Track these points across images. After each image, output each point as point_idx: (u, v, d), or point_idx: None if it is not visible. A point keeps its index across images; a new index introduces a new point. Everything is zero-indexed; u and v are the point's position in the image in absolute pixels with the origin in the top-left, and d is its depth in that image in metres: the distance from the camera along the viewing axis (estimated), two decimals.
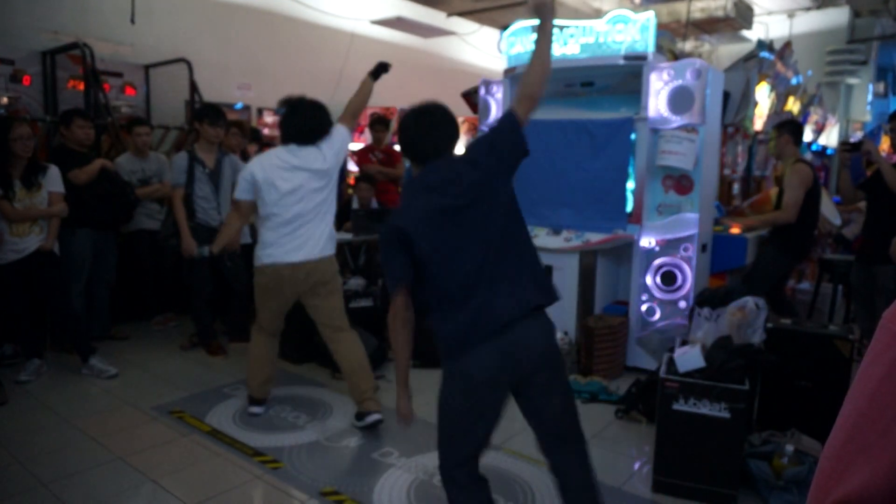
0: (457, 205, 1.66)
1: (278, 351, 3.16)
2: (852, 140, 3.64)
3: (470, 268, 1.64)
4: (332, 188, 2.88)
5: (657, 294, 3.65)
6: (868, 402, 0.52)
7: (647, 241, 3.65)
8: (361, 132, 6.51)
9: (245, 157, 4.28)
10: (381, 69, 3.10)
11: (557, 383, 1.77)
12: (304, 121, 2.81)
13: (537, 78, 1.83)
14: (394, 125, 6.69)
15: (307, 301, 2.90)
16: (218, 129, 3.74)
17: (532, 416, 1.79)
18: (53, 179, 3.42)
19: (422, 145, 1.75)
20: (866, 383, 0.53)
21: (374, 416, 2.84)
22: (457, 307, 1.65)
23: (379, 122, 5.39)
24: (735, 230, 4.01)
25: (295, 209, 2.76)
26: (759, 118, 5.15)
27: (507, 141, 1.76)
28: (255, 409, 3.06)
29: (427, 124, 1.77)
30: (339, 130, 2.92)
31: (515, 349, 1.64)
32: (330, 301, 2.91)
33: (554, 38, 1.88)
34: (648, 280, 3.66)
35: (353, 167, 5.96)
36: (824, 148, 7.51)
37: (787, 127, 3.84)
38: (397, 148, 6.29)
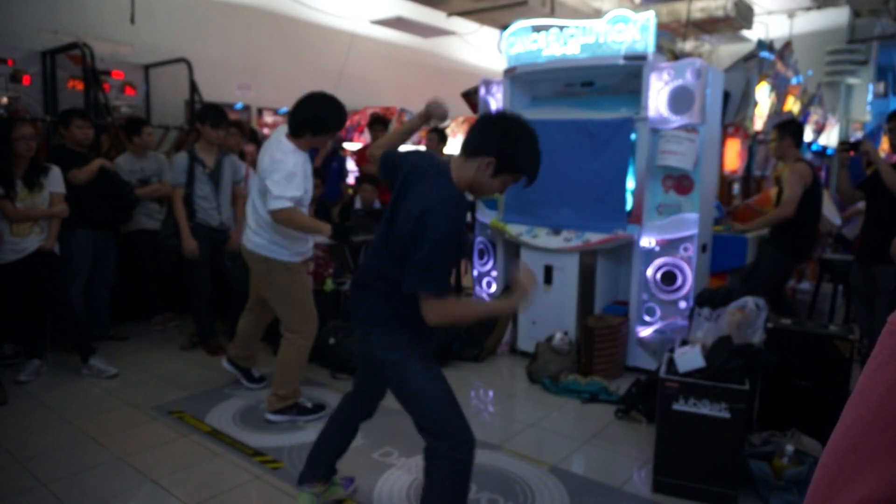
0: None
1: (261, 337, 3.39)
2: (852, 140, 3.64)
3: None
4: (263, 185, 2.77)
5: (657, 294, 3.65)
6: (874, 411, 0.51)
7: (647, 241, 3.64)
8: (361, 132, 6.51)
9: (243, 157, 4.28)
10: (435, 117, 2.51)
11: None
12: (293, 111, 2.80)
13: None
14: (394, 125, 6.69)
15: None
16: (220, 131, 3.74)
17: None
18: (55, 180, 3.42)
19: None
20: (871, 390, 0.52)
21: (271, 417, 2.98)
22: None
23: (378, 122, 5.40)
24: (738, 229, 4.03)
25: (253, 195, 2.90)
26: (759, 118, 5.16)
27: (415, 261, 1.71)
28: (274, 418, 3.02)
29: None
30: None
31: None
32: (266, 295, 2.97)
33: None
34: (648, 280, 3.66)
35: (352, 167, 5.96)
36: (824, 148, 7.51)
37: (788, 128, 3.84)
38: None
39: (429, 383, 1.81)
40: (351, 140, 6.60)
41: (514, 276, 1.80)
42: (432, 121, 2.35)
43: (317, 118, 2.75)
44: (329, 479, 2.21)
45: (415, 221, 1.68)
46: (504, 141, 1.74)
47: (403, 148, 2.19)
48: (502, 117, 1.77)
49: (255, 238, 2.86)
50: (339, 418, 2.19)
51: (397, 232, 1.76)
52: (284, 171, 2.67)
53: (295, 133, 2.78)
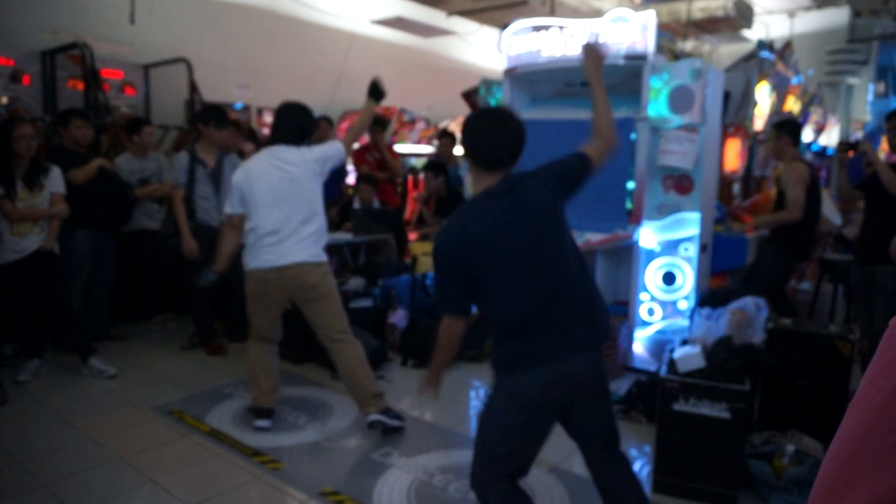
0: (530, 223, 1.68)
1: (278, 354, 3.07)
2: (851, 140, 3.64)
3: (543, 290, 1.66)
4: (313, 192, 2.79)
5: (657, 294, 3.64)
6: (876, 417, 0.50)
7: (647, 241, 3.64)
8: None
9: (242, 156, 4.27)
10: (375, 89, 2.99)
11: (602, 403, 1.80)
12: (283, 119, 2.83)
13: (612, 136, 1.99)
14: (394, 125, 6.69)
15: (301, 307, 2.85)
16: (223, 132, 3.75)
17: (576, 433, 1.81)
18: (55, 180, 3.42)
19: (495, 150, 1.73)
20: (873, 396, 0.51)
21: (373, 416, 2.78)
22: (524, 327, 1.67)
23: (376, 123, 5.40)
24: (741, 226, 4.02)
25: (275, 212, 2.72)
26: (760, 118, 5.15)
27: (574, 177, 1.85)
28: (262, 423, 2.88)
29: (500, 128, 1.76)
30: (333, 144, 2.94)
31: (572, 375, 1.67)
32: (321, 306, 2.81)
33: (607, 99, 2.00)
34: (648, 280, 3.66)
35: (350, 167, 5.96)
36: (824, 148, 7.51)
37: (786, 127, 3.84)
38: (396, 148, 6.32)
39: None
40: (344, 156, 6.60)
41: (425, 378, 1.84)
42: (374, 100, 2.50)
43: (303, 126, 2.86)
44: None
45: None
46: (463, 141, 1.79)
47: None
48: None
49: (315, 247, 2.78)
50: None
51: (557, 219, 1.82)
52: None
53: (298, 142, 2.84)
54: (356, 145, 6.07)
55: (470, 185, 4.14)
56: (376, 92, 3.00)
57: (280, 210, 2.72)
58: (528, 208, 1.69)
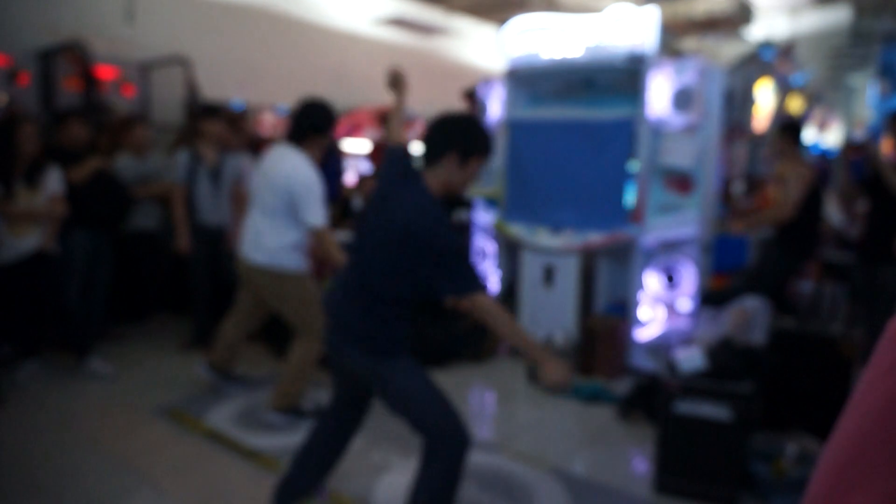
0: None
1: (245, 338, 3.26)
2: (855, 140, 3.63)
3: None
4: (288, 201, 2.76)
5: (658, 294, 3.63)
6: (873, 423, 0.50)
7: (647, 241, 3.63)
8: (360, 131, 6.49)
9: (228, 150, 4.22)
10: (394, 82, 2.73)
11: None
12: (293, 120, 2.85)
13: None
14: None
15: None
16: (216, 125, 3.77)
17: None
18: (55, 179, 3.42)
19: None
20: (870, 401, 0.51)
21: (271, 417, 2.91)
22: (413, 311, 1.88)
23: (386, 121, 5.40)
24: (737, 226, 4.01)
25: (258, 206, 2.87)
26: (761, 118, 5.13)
27: (441, 273, 1.79)
28: (201, 369, 3.22)
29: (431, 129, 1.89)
30: (308, 188, 2.79)
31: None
32: (274, 305, 2.96)
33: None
34: (649, 280, 3.64)
35: (359, 166, 5.96)
36: (827, 148, 7.48)
37: (788, 129, 3.83)
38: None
39: (426, 386, 1.84)
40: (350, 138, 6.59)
41: (549, 365, 1.81)
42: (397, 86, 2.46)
43: (315, 123, 2.85)
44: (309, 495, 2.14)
45: (401, 232, 1.77)
46: (456, 132, 1.85)
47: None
48: (441, 119, 1.88)
49: (279, 252, 2.81)
50: (323, 435, 2.09)
51: (383, 243, 1.82)
52: (317, 190, 2.78)
53: (300, 140, 2.82)
54: (362, 142, 6.08)
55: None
56: (395, 83, 2.75)
57: (262, 207, 2.85)
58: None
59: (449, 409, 1.83)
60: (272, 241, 2.82)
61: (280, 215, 2.80)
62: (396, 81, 2.38)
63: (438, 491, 1.80)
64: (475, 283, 1.75)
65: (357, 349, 1.85)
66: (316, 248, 2.96)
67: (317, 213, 2.75)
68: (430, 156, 1.86)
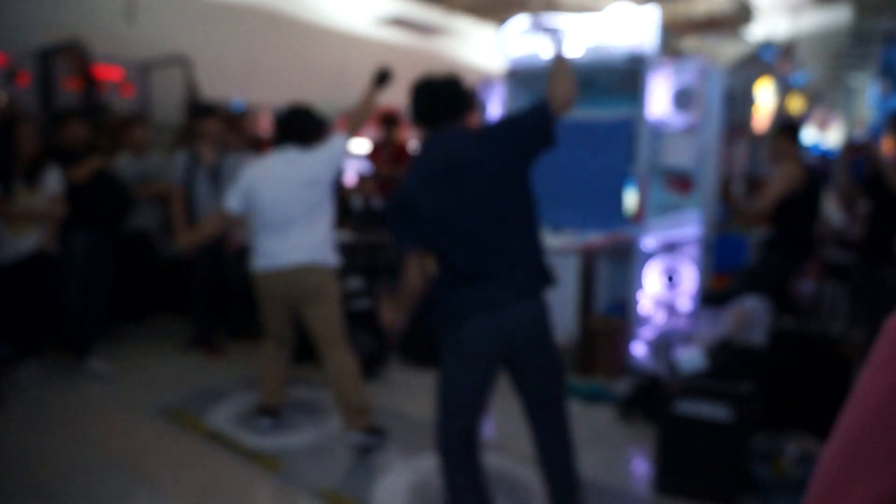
0: (463, 176, 1.72)
1: (289, 359, 2.95)
2: (855, 140, 3.63)
3: (472, 241, 1.72)
4: (323, 194, 2.75)
5: (658, 294, 3.63)
6: (871, 418, 0.50)
7: (648, 241, 3.63)
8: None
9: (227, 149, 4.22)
10: (383, 77, 2.82)
11: (544, 359, 1.84)
12: (291, 122, 2.78)
13: (564, 88, 1.90)
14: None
15: (300, 310, 2.76)
16: (213, 124, 3.76)
17: (520, 389, 1.89)
18: (54, 179, 3.42)
19: (424, 108, 1.88)
20: (869, 397, 0.51)
21: (355, 439, 2.64)
22: (459, 278, 1.74)
23: (389, 121, 5.39)
24: (738, 223, 4.01)
25: (282, 214, 2.67)
26: (762, 118, 5.14)
27: (530, 123, 1.81)
28: (264, 422, 2.85)
29: (429, 90, 1.89)
30: (337, 137, 2.82)
31: (508, 325, 1.72)
32: (320, 311, 2.72)
33: (563, 53, 1.94)
34: (649, 280, 3.64)
35: (356, 167, 5.95)
36: (827, 148, 7.49)
37: (786, 130, 3.82)
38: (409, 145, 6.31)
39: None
40: (348, 148, 6.60)
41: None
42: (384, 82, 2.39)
43: (309, 131, 2.80)
44: None
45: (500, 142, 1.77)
46: (464, 93, 1.91)
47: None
48: (443, 82, 1.89)
49: (318, 251, 2.70)
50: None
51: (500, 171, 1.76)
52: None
53: (308, 142, 2.78)
54: (362, 142, 6.06)
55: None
56: (384, 78, 2.81)
57: (284, 211, 2.67)
58: (451, 161, 1.75)
59: (450, 404, 1.81)
60: (320, 240, 2.72)
61: (317, 213, 2.72)
62: (384, 78, 2.34)
63: (445, 485, 1.86)
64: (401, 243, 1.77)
65: (534, 299, 1.76)
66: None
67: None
68: (454, 114, 1.85)
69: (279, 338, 2.86)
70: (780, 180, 3.58)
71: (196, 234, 2.94)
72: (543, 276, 1.79)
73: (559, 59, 1.88)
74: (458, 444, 1.81)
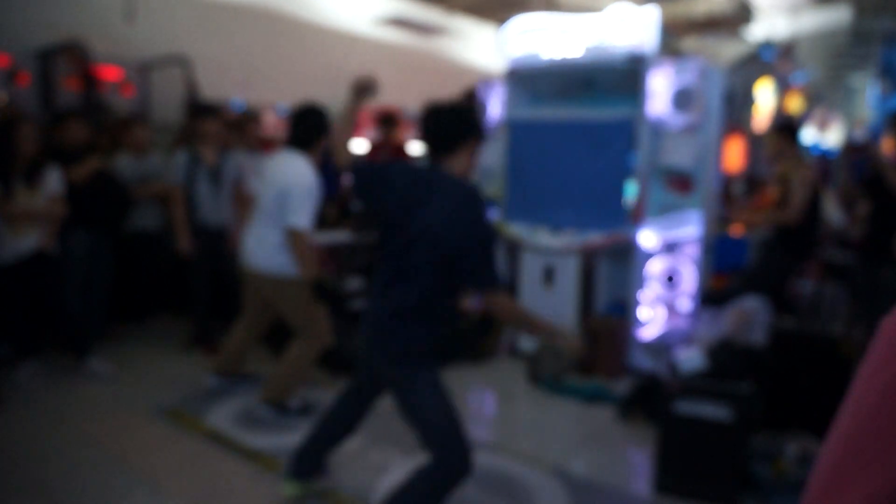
0: (410, 212, 1.84)
1: (255, 339, 3.30)
2: (856, 141, 3.63)
3: (388, 259, 1.91)
4: (288, 203, 2.77)
5: (658, 294, 3.63)
6: (867, 418, 0.51)
7: (647, 241, 3.63)
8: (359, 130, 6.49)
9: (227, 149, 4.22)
10: (362, 89, 2.39)
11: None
12: (294, 125, 2.88)
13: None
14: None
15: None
16: (213, 125, 3.77)
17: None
18: (54, 179, 3.42)
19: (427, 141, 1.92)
20: (865, 397, 0.52)
21: (262, 411, 2.99)
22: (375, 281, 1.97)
23: (387, 122, 5.39)
24: (738, 226, 4.01)
25: (261, 213, 2.89)
26: (761, 118, 5.14)
27: (471, 268, 1.82)
28: (213, 381, 3.28)
29: (433, 122, 1.90)
30: (302, 183, 2.79)
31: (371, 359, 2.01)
32: (278, 308, 2.99)
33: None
34: (649, 280, 3.64)
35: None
36: (827, 148, 7.49)
37: (785, 129, 3.83)
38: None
39: (443, 404, 1.86)
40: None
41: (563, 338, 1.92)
42: (364, 94, 2.37)
43: (319, 128, 2.88)
44: (317, 474, 2.30)
45: (460, 231, 1.77)
46: (469, 120, 1.89)
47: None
48: (447, 109, 1.90)
49: (277, 257, 2.83)
50: (336, 416, 2.23)
51: (436, 249, 1.80)
52: (312, 196, 2.82)
53: (306, 145, 2.85)
54: (361, 141, 6.05)
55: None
56: (365, 91, 2.84)
57: (264, 214, 2.88)
58: (409, 194, 1.87)
59: (460, 428, 1.85)
60: (271, 246, 2.85)
61: (276, 217, 2.82)
62: (366, 88, 2.26)
63: (428, 497, 1.84)
64: (497, 279, 1.80)
65: (386, 354, 1.87)
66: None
67: (302, 216, 2.76)
68: (447, 147, 1.86)
69: (252, 321, 3.17)
70: (800, 186, 3.59)
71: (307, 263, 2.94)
72: (404, 347, 1.86)
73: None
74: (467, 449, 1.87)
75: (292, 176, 2.78)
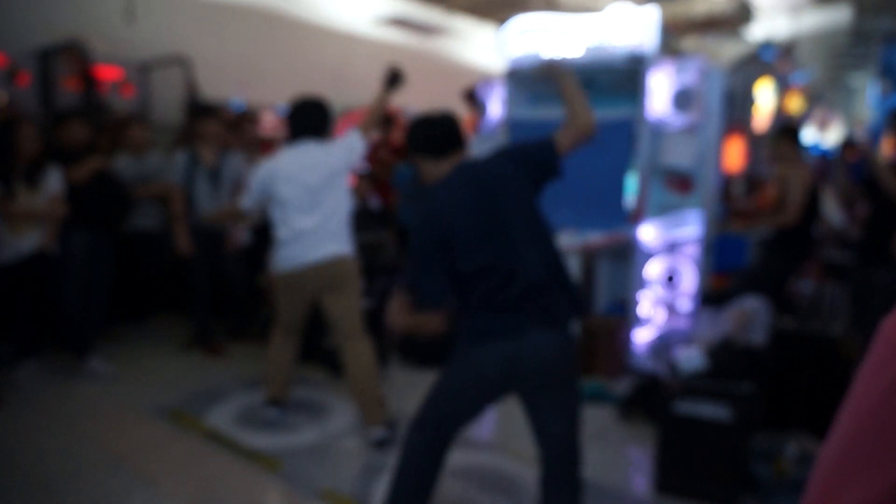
0: (484, 203, 1.72)
1: (297, 350, 2.99)
2: (854, 141, 3.63)
3: (499, 266, 1.67)
4: (342, 187, 2.79)
5: (658, 294, 3.63)
6: (868, 418, 0.51)
7: (647, 241, 3.63)
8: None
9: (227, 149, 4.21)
10: (394, 78, 2.84)
11: (564, 400, 1.76)
12: (304, 116, 2.79)
13: (581, 125, 1.88)
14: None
15: (322, 300, 2.79)
16: (213, 125, 3.76)
17: (540, 431, 1.80)
18: (55, 179, 3.42)
19: (437, 138, 1.87)
20: (865, 397, 0.52)
21: (378, 434, 2.70)
22: (483, 302, 1.68)
23: (386, 121, 5.40)
24: (738, 226, 4.01)
25: (307, 207, 2.69)
26: (762, 118, 5.14)
27: (536, 155, 1.84)
28: (272, 413, 2.89)
29: (434, 122, 1.90)
30: (351, 133, 2.85)
31: (520, 353, 1.65)
32: (342, 301, 2.76)
33: (577, 91, 1.93)
34: (649, 280, 3.64)
35: (358, 166, 5.95)
36: (827, 148, 7.49)
37: (786, 132, 3.83)
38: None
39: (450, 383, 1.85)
40: (363, 145, 6.59)
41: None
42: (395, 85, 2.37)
43: (317, 123, 2.81)
44: None
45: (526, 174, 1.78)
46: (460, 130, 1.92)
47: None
48: (451, 117, 1.92)
49: (340, 239, 2.75)
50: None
51: (530, 207, 1.77)
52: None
53: (322, 134, 2.80)
54: (360, 142, 6.07)
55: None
56: (395, 80, 2.85)
57: (312, 207, 2.70)
58: (482, 183, 1.75)
59: (441, 405, 1.79)
60: (332, 231, 2.73)
61: (332, 203, 2.74)
62: (396, 79, 2.34)
63: (399, 462, 1.81)
64: (424, 299, 1.72)
65: (563, 330, 1.71)
66: None
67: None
68: (449, 149, 1.87)
69: (291, 328, 2.88)
70: (796, 187, 3.59)
71: (212, 216, 3.06)
72: (570, 306, 1.72)
73: (570, 87, 1.91)
74: (434, 434, 1.79)
75: (339, 153, 2.74)
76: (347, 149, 2.81)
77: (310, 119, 2.78)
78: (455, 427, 1.80)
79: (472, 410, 1.77)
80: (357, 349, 2.75)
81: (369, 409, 2.72)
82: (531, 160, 1.82)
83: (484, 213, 1.70)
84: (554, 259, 1.74)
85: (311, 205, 2.69)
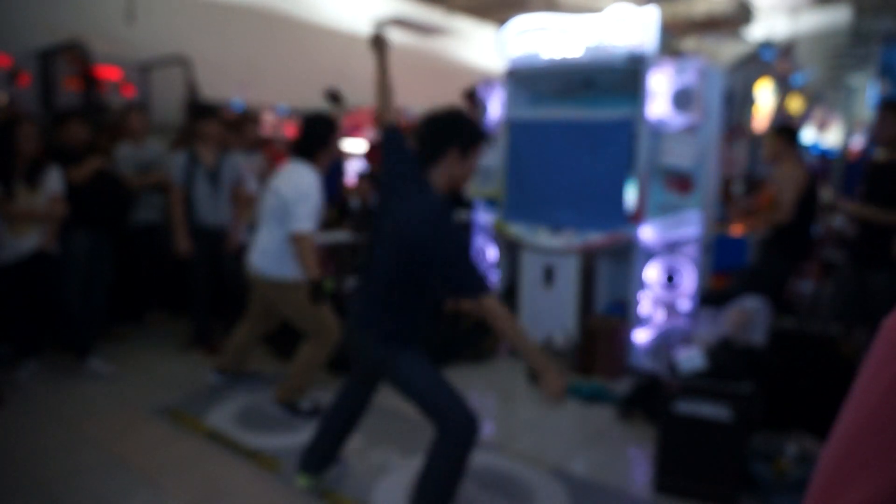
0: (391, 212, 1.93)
1: (258, 338, 3.37)
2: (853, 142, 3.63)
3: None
4: (287, 206, 2.83)
5: (658, 294, 3.63)
6: (869, 417, 0.51)
7: (647, 241, 3.63)
8: (360, 131, 6.50)
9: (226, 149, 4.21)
10: (377, 42, 2.55)
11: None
12: (300, 132, 2.97)
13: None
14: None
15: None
16: (212, 126, 3.77)
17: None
18: (55, 179, 3.42)
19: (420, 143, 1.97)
20: (867, 396, 0.52)
21: (280, 405, 3.06)
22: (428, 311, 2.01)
23: None
24: (737, 227, 4.01)
25: (261, 217, 2.99)
26: (761, 118, 5.14)
27: (452, 277, 1.85)
28: (215, 378, 3.36)
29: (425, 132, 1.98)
30: (306, 195, 2.85)
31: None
32: (284, 314, 3.05)
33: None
34: (649, 280, 3.64)
35: (358, 167, 5.96)
36: (827, 148, 7.49)
37: (783, 132, 3.83)
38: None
39: (430, 374, 1.95)
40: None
41: (547, 378, 1.85)
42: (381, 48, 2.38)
43: (322, 137, 2.93)
44: (327, 466, 2.36)
45: (430, 243, 1.81)
46: (452, 128, 1.92)
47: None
48: (433, 118, 1.95)
49: (278, 262, 2.91)
50: (338, 410, 2.29)
51: (400, 246, 1.87)
52: (313, 201, 2.85)
53: (311, 155, 2.92)
54: (359, 142, 6.07)
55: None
56: (379, 44, 2.64)
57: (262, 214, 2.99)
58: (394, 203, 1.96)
59: (455, 394, 1.91)
60: (273, 252, 2.92)
61: (277, 224, 2.89)
62: (378, 43, 2.32)
63: (447, 470, 1.88)
64: (482, 284, 1.80)
65: (369, 336, 1.95)
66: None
67: (304, 220, 2.81)
68: (430, 155, 1.91)
69: (254, 317, 3.23)
70: (791, 187, 3.59)
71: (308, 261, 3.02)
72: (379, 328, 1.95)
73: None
74: (469, 411, 1.90)
75: (293, 185, 2.85)
76: (296, 186, 2.84)
77: (299, 138, 2.95)
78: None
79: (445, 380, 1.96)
80: (306, 345, 3.01)
81: (283, 387, 3.05)
82: (439, 270, 1.84)
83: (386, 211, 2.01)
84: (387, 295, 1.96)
85: (266, 219, 2.95)
